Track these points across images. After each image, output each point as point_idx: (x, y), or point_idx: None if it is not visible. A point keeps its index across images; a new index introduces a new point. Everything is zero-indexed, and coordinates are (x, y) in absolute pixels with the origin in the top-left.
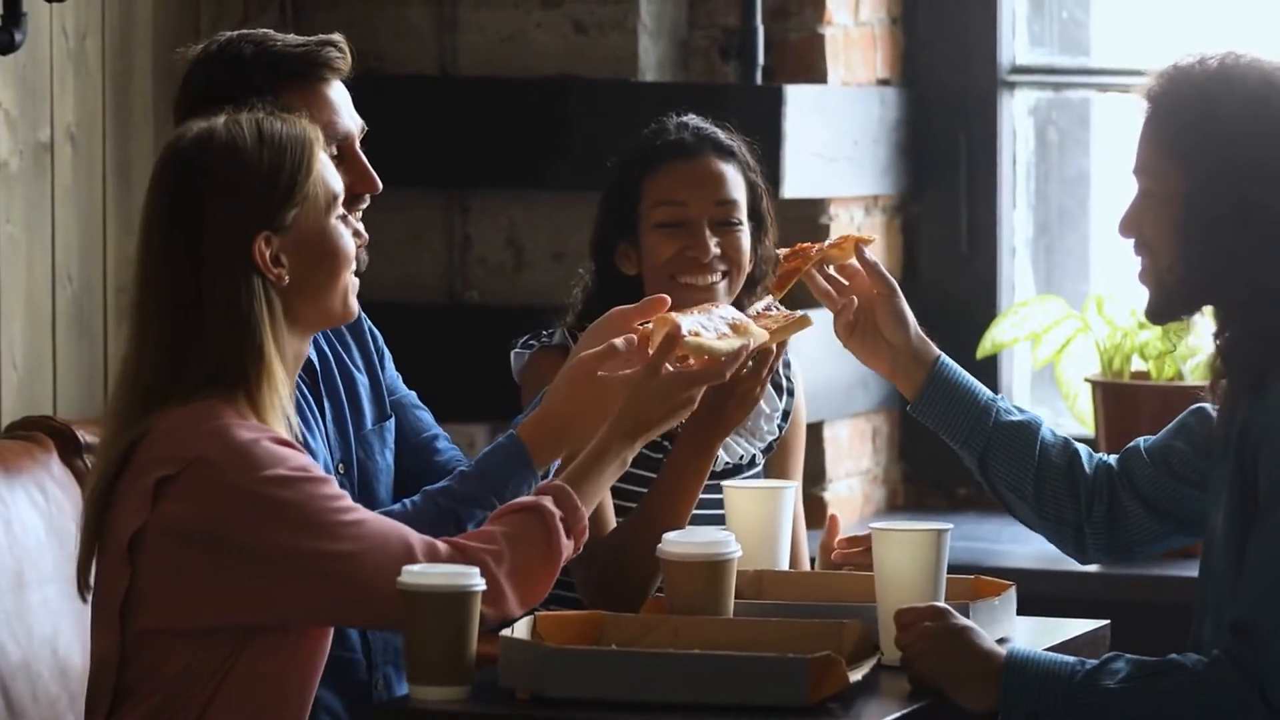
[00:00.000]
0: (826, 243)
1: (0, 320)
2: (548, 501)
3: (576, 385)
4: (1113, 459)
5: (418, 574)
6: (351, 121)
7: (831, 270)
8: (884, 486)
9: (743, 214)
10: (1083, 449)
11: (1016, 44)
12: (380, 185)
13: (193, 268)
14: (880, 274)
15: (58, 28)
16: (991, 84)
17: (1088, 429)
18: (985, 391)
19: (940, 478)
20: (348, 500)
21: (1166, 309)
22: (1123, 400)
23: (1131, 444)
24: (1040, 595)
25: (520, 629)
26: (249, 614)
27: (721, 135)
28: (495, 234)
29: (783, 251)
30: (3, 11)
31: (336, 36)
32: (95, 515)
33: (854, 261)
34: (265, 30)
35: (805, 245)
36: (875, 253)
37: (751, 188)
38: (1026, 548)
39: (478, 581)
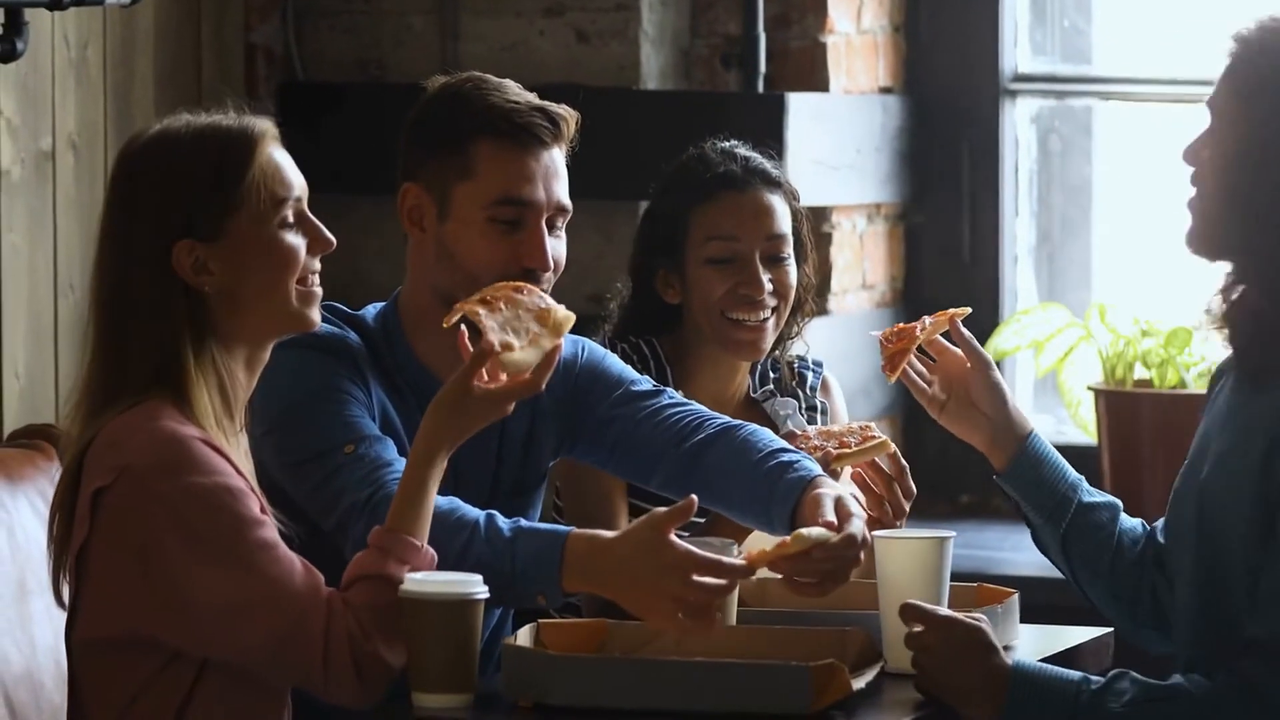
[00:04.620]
0: (929, 321)
1: (2, 329)
2: (393, 568)
3: (639, 531)
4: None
5: (420, 582)
6: (541, 192)
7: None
8: None
9: (790, 246)
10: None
11: (1018, 52)
12: (551, 264)
13: (120, 271)
14: (974, 348)
15: (59, 37)
16: (994, 92)
17: (1090, 437)
18: (1071, 470)
19: (943, 485)
20: (268, 529)
21: (1199, 242)
22: (1125, 409)
23: (1151, 525)
24: (1044, 603)
25: (523, 637)
26: (163, 630)
27: (768, 165)
28: None
29: (884, 332)
30: (4, 20)
31: (557, 108)
32: (61, 527)
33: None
34: (502, 81)
35: (908, 326)
36: (878, 262)
37: (794, 215)
38: (1030, 555)
39: (480, 590)
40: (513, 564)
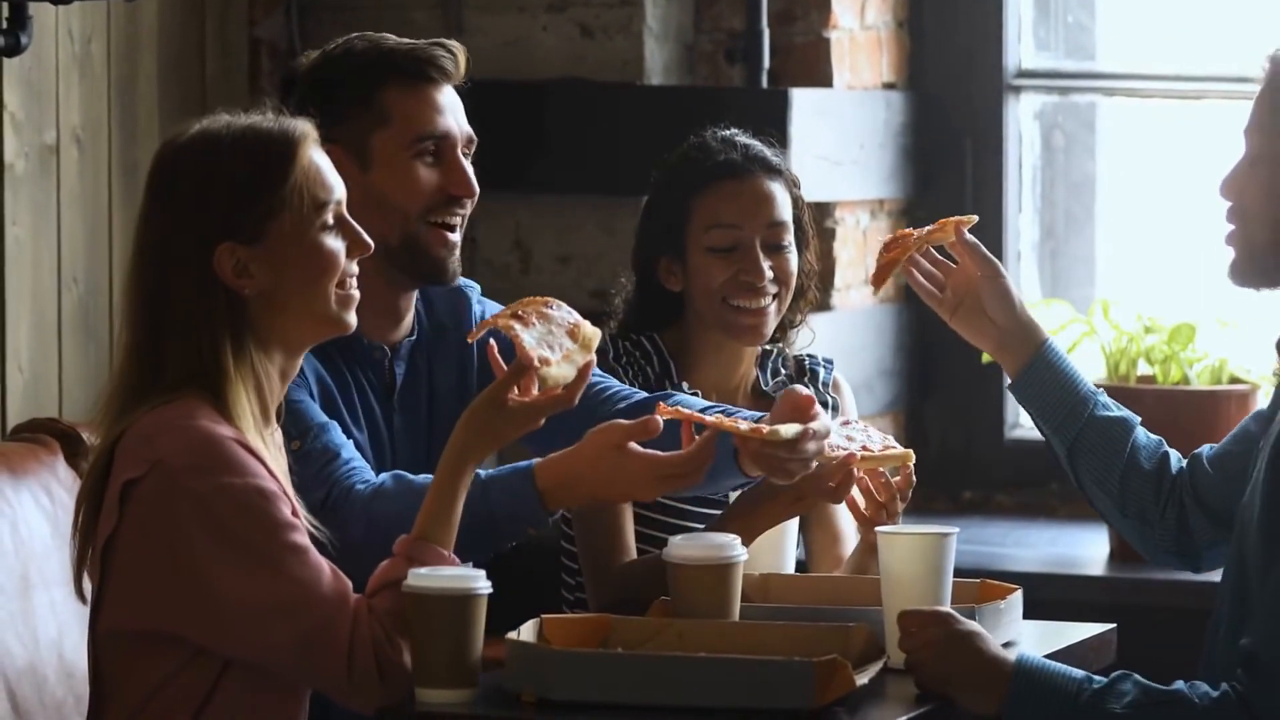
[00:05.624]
0: (926, 229)
1: (6, 323)
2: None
3: (603, 453)
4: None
5: (424, 577)
6: (454, 124)
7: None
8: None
9: (791, 234)
10: (1173, 453)
11: (1022, 48)
12: (476, 190)
13: (159, 271)
14: (983, 255)
15: (63, 31)
16: (997, 88)
17: None
18: (1087, 384)
19: (946, 481)
20: (299, 532)
21: (1245, 276)
22: (1128, 404)
23: (1196, 450)
24: (1046, 599)
25: (526, 632)
26: (188, 627)
27: (769, 153)
28: (502, 237)
29: (884, 238)
30: (8, 14)
31: (450, 41)
32: (87, 518)
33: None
34: (384, 34)
35: (905, 233)
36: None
37: (795, 203)
38: (1033, 552)
39: (483, 585)
40: (489, 511)
